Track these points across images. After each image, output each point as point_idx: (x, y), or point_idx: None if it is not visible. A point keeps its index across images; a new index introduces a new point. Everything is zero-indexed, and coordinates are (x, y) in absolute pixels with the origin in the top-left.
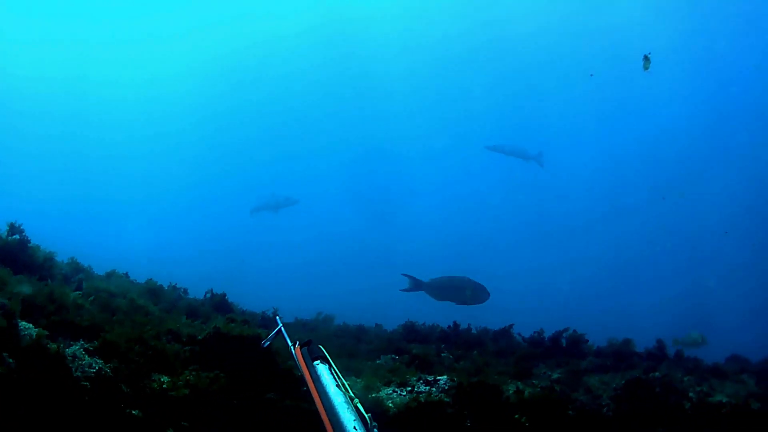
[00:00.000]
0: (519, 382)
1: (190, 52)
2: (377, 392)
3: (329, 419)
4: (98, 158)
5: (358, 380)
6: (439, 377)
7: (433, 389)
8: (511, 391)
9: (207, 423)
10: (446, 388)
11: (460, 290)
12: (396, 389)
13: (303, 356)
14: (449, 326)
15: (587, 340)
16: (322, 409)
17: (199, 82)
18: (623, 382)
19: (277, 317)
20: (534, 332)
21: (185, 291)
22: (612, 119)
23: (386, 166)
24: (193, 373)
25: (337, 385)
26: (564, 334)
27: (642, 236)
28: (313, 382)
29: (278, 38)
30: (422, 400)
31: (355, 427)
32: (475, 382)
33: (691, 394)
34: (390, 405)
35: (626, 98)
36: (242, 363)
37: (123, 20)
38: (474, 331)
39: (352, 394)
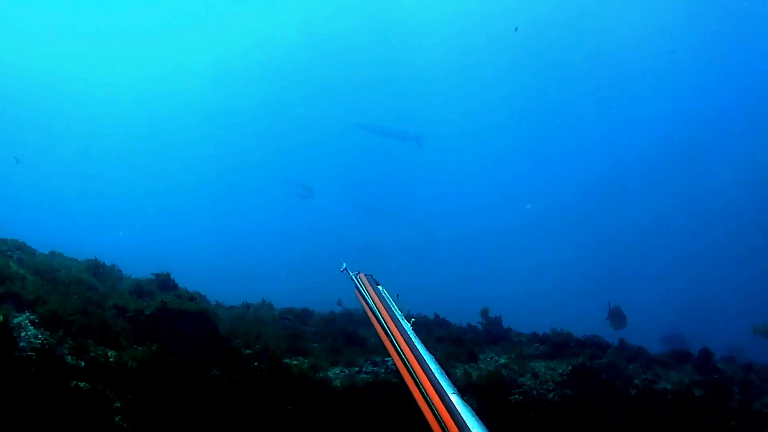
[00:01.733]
0: (467, 366)
1: (195, 50)
2: (325, 371)
3: (390, 318)
4: (104, 156)
5: (305, 360)
6: (387, 358)
7: (381, 370)
8: (459, 374)
9: (153, 396)
10: (394, 369)
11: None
12: (344, 369)
13: (367, 280)
14: None
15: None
16: (386, 313)
17: (204, 80)
18: (570, 368)
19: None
20: (479, 321)
21: (119, 270)
22: (609, 115)
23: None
24: (140, 346)
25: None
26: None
27: (642, 237)
28: (378, 298)
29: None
30: (370, 380)
31: (413, 320)
32: None
33: (636, 381)
34: (337, 384)
35: (623, 95)
36: (189, 338)
37: (128, 16)
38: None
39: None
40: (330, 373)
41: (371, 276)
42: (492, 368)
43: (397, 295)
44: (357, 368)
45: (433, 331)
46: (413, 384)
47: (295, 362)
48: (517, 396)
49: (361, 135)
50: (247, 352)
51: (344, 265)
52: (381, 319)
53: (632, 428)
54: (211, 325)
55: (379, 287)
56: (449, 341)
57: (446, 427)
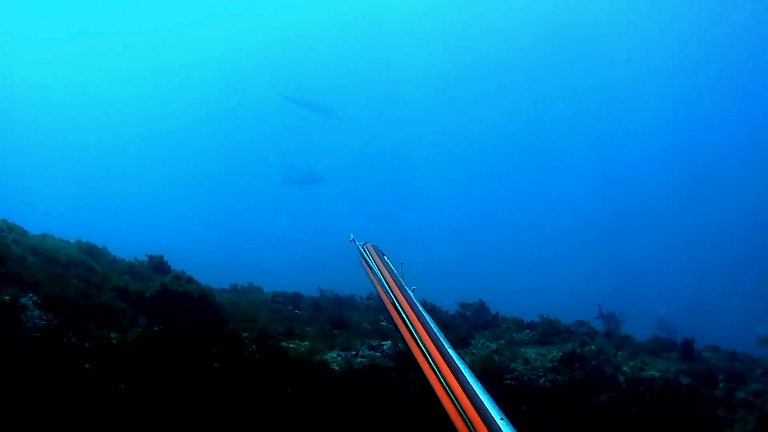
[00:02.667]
0: (459, 351)
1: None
2: (323, 355)
3: (395, 283)
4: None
5: (303, 343)
6: (383, 342)
7: (377, 354)
8: None
9: (156, 378)
10: (390, 353)
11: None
12: (340, 353)
13: (374, 249)
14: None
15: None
16: (391, 279)
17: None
18: (560, 354)
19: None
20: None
21: (111, 253)
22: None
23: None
24: (142, 328)
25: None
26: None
27: (642, 237)
28: (383, 264)
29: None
30: (367, 364)
31: (413, 289)
32: None
33: (625, 368)
34: (335, 368)
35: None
36: (189, 320)
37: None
38: None
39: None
40: (327, 357)
41: (377, 247)
42: (484, 353)
43: (401, 264)
44: (354, 352)
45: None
46: (412, 340)
47: (292, 345)
48: (509, 381)
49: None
50: (245, 335)
51: (352, 236)
52: (385, 282)
53: (622, 414)
54: (211, 308)
55: (385, 257)
56: (440, 327)
57: (443, 374)
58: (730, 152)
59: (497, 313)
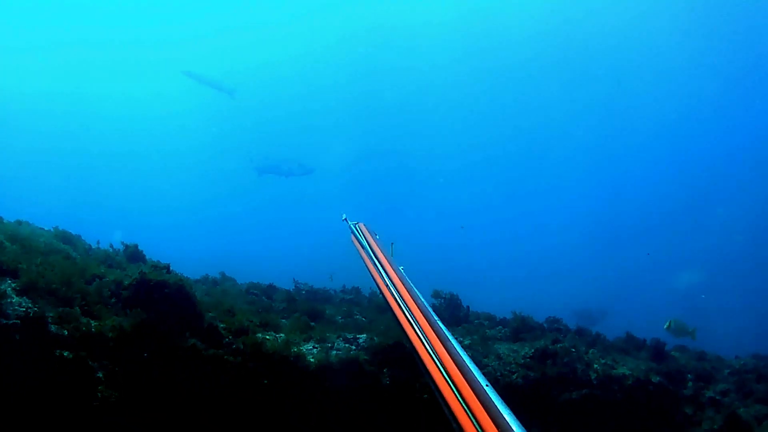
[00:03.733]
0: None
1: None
2: (298, 347)
3: (386, 260)
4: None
5: (279, 335)
6: (359, 336)
7: (353, 347)
8: None
9: (135, 367)
10: (366, 346)
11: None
12: (316, 345)
13: (366, 229)
14: (348, 287)
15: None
16: (383, 256)
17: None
18: (532, 351)
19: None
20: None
21: (85, 241)
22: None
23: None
24: (120, 316)
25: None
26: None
27: (643, 239)
28: (375, 242)
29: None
30: (343, 356)
31: (401, 268)
32: (393, 343)
33: (596, 366)
34: (311, 360)
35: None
36: (167, 310)
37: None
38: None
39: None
40: (303, 349)
41: (369, 227)
42: None
43: (392, 244)
44: (329, 344)
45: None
46: (401, 312)
47: (269, 337)
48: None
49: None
50: (222, 326)
51: (344, 215)
52: (376, 259)
53: (594, 410)
54: (188, 298)
55: (377, 236)
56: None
57: (432, 345)
58: (733, 160)
59: (468, 307)
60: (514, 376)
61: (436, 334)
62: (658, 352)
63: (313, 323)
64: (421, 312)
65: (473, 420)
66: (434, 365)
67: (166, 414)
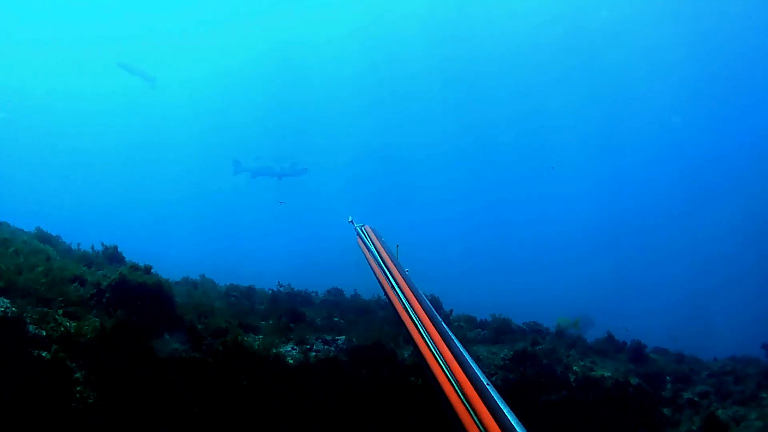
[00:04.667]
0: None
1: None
2: (277, 348)
3: (392, 262)
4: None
5: (258, 336)
6: (337, 337)
7: (332, 348)
8: (405, 355)
9: (113, 367)
10: (344, 348)
11: None
12: (295, 347)
13: (372, 231)
14: (331, 289)
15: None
16: (388, 257)
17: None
18: (511, 353)
19: (349, 218)
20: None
21: (65, 242)
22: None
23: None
24: (99, 317)
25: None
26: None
27: (644, 242)
28: (381, 244)
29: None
30: (321, 357)
31: (406, 270)
32: (371, 344)
33: (575, 368)
34: (290, 361)
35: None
36: (146, 310)
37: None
38: (364, 297)
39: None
40: (282, 350)
41: (375, 229)
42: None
43: (397, 246)
44: (308, 346)
45: (377, 313)
46: (406, 314)
47: (248, 339)
48: None
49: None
50: (200, 327)
51: (350, 218)
52: (382, 261)
53: (573, 412)
54: (167, 299)
55: (382, 239)
56: (395, 324)
57: (436, 345)
58: (738, 159)
59: (451, 310)
60: (494, 378)
61: (440, 335)
62: (637, 354)
63: (292, 324)
64: (426, 313)
65: (475, 418)
66: (437, 364)
67: (146, 414)
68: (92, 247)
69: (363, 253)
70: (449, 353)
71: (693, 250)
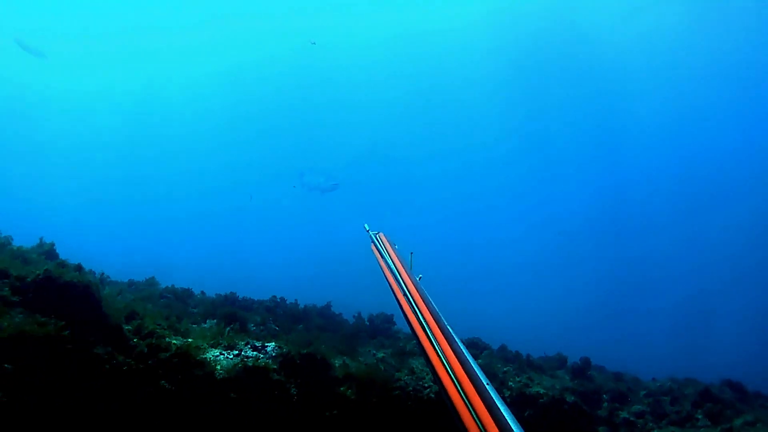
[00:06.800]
0: (346, 358)
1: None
2: (204, 353)
3: (404, 269)
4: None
5: (186, 340)
6: (267, 344)
7: (261, 355)
8: (337, 365)
9: (33, 368)
10: (274, 355)
11: None
12: (223, 352)
13: (386, 239)
14: (273, 297)
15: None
16: (400, 265)
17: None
18: None
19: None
20: (355, 313)
21: (5, 237)
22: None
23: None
24: (20, 316)
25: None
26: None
27: (646, 243)
28: (394, 252)
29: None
30: (249, 364)
31: (420, 277)
32: (305, 353)
33: (511, 383)
34: (218, 368)
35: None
36: (73, 311)
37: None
38: (301, 305)
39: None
40: (208, 355)
41: (389, 237)
42: (371, 362)
43: (411, 253)
44: (236, 351)
45: (313, 321)
46: (419, 326)
47: (175, 341)
48: (395, 391)
49: None
50: (127, 328)
51: (367, 226)
52: (394, 269)
53: None
54: (94, 299)
55: (395, 246)
56: (331, 332)
57: (444, 354)
58: (736, 159)
59: (393, 322)
60: (426, 391)
61: (445, 338)
62: (580, 371)
63: (228, 329)
64: (434, 318)
65: (476, 417)
66: (441, 364)
67: (63, 418)
68: (24, 246)
69: (376, 259)
70: (451, 351)
71: (693, 250)
